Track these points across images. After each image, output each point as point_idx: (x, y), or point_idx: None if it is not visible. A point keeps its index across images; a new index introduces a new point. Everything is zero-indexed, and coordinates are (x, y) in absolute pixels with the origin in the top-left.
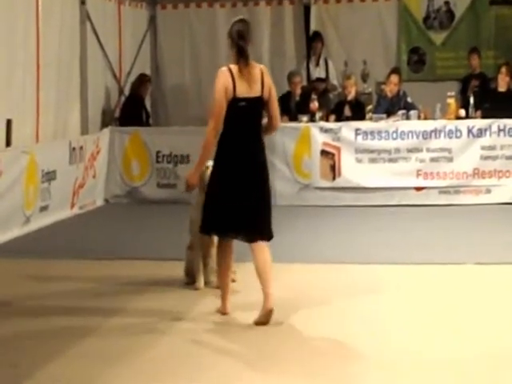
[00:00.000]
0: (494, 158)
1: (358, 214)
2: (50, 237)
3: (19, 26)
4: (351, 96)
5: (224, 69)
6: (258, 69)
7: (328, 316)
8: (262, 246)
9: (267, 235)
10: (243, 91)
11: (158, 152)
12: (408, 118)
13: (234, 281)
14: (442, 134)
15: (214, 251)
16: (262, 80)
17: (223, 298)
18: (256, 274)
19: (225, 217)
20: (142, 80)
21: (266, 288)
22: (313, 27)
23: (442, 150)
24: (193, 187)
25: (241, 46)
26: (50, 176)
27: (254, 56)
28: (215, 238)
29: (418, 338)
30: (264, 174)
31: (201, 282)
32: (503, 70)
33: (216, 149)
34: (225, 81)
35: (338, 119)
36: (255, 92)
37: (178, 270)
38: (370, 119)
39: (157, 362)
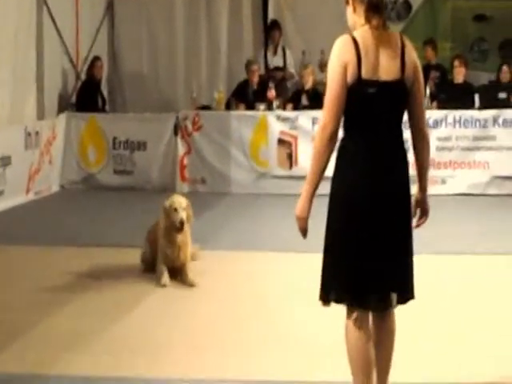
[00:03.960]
0: (450, 148)
1: (316, 203)
2: (4, 222)
3: None
4: (308, 85)
5: (345, 37)
6: (396, 38)
7: (277, 304)
8: (392, 319)
9: (405, 295)
10: (373, 71)
11: (114, 138)
12: None
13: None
14: None
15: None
16: (402, 54)
17: None
18: (375, 358)
19: (358, 272)
20: (92, 62)
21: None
22: (271, 16)
23: None
24: (305, 224)
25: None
26: (5, 161)
27: (211, 45)
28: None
29: None
30: (406, 201)
31: (165, 278)
32: (456, 63)
33: (334, 163)
34: (345, 55)
35: (296, 108)
36: (392, 73)
37: (134, 256)
38: None
39: (114, 346)
